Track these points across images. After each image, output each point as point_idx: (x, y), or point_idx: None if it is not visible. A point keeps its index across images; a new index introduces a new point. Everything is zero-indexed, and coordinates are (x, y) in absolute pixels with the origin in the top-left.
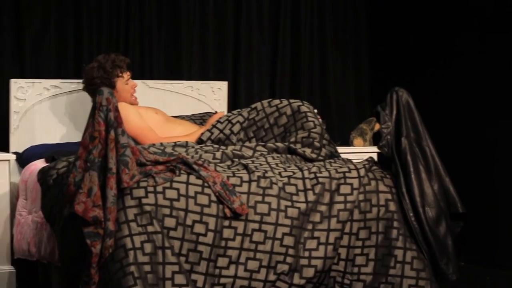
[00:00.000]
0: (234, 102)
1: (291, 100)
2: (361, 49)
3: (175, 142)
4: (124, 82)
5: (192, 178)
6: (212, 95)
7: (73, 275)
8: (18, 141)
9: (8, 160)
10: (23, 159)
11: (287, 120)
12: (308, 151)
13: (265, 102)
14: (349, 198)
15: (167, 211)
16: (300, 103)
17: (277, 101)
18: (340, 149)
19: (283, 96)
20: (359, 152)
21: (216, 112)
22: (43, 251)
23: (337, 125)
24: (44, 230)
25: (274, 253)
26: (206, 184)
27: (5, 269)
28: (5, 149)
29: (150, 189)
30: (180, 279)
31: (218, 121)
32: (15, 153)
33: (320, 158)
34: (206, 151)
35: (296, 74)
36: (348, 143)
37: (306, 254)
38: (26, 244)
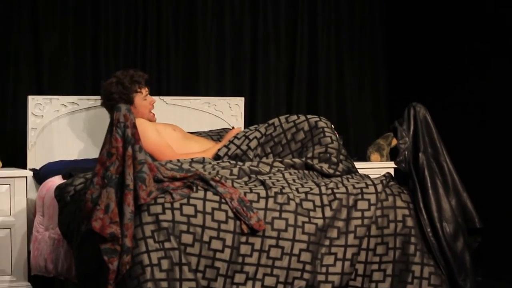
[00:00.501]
0: (251, 118)
1: (309, 116)
2: (378, 65)
3: (192, 159)
4: (142, 97)
5: (209, 195)
6: (229, 111)
7: None
8: (36, 158)
9: (26, 176)
10: (41, 175)
11: (304, 136)
12: (325, 166)
13: (282, 118)
14: (367, 213)
15: (184, 227)
16: (318, 119)
17: (294, 117)
18: (357, 165)
19: (300, 111)
20: (376, 167)
21: (232, 128)
22: (60, 268)
23: (354, 140)
24: (61, 246)
25: (291, 269)
26: (223, 201)
27: (22, 286)
28: (23, 165)
29: (167, 205)
30: None
31: (235, 137)
32: (32, 169)
33: (337, 173)
34: (223, 167)
35: (313, 90)
36: (365, 158)
37: (324, 270)
38: (43, 261)
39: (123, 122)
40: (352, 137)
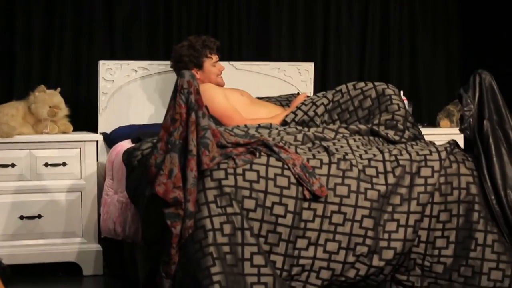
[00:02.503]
0: (322, 84)
1: (376, 83)
2: (451, 30)
3: (259, 124)
4: (211, 63)
5: (272, 160)
6: (298, 77)
7: (155, 255)
8: (106, 122)
9: (96, 140)
10: (111, 139)
11: (371, 103)
12: (391, 133)
13: (350, 84)
14: (430, 180)
15: (246, 192)
16: (385, 86)
17: (362, 84)
18: (427, 131)
19: (372, 77)
20: (446, 133)
21: (298, 94)
22: (128, 231)
23: (426, 106)
24: (129, 210)
25: (353, 235)
26: (285, 166)
27: (92, 248)
28: (94, 129)
29: (230, 171)
30: (259, 260)
31: (302, 103)
32: (103, 133)
33: (403, 140)
34: (288, 133)
35: (385, 56)
36: (435, 124)
37: (386, 236)
38: (112, 224)
39: (186, 88)
40: (424, 103)
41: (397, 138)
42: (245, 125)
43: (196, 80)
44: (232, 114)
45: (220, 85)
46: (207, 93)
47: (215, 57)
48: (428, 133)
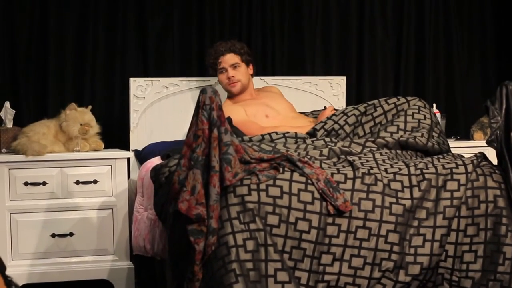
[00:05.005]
0: (358, 99)
1: (409, 98)
2: (488, 42)
3: (284, 134)
4: (219, 70)
5: (296, 175)
6: (330, 90)
7: (181, 272)
8: (138, 139)
9: (128, 157)
10: (142, 156)
11: (404, 117)
12: (418, 135)
13: (382, 99)
14: (456, 194)
15: (270, 208)
16: (416, 99)
17: (394, 99)
18: (460, 143)
19: (408, 91)
20: (479, 146)
21: (325, 108)
22: (156, 248)
23: (462, 119)
24: (157, 227)
25: (378, 250)
26: (309, 182)
27: (124, 265)
28: (125, 147)
29: (253, 186)
30: (283, 276)
31: (333, 114)
32: (134, 150)
33: (430, 144)
34: (314, 148)
35: (420, 70)
36: (468, 137)
37: (412, 251)
38: (142, 241)
39: (208, 105)
40: (461, 116)
41: (424, 140)
42: (272, 139)
43: (218, 96)
44: (249, 124)
45: (232, 93)
46: (225, 112)
47: (223, 62)
48: (461, 146)
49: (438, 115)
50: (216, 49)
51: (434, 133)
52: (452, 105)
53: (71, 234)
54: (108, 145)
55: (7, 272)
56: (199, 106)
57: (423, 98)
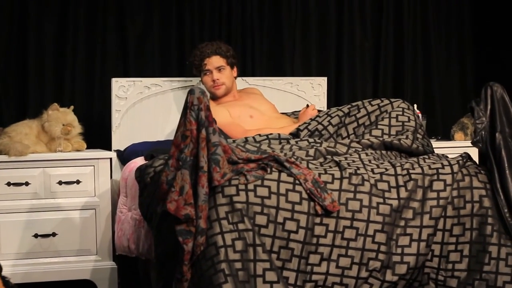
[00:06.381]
0: (336, 98)
1: (392, 99)
2: (466, 42)
3: (267, 136)
4: (203, 72)
5: (284, 176)
6: (312, 91)
7: (168, 272)
8: (120, 139)
9: (110, 158)
10: (124, 157)
11: (388, 118)
12: (403, 137)
13: (366, 101)
14: (442, 194)
15: (258, 208)
16: (400, 101)
17: (378, 100)
18: (441, 144)
19: (386, 91)
20: (460, 146)
21: (307, 106)
22: (141, 248)
23: (440, 119)
24: (142, 227)
25: (366, 250)
26: (297, 182)
27: (107, 265)
28: (107, 147)
29: (241, 187)
30: (271, 276)
31: (317, 116)
32: (116, 151)
33: (414, 146)
34: (300, 148)
35: (399, 69)
36: (449, 137)
37: (399, 250)
38: (126, 241)
39: (197, 105)
40: (439, 116)
41: (409, 142)
42: (255, 140)
43: (206, 96)
44: (234, 127)
45: (215, 95)
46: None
47: (209, 64)
48: (442, 146)
49: (419, 115)
50: (202, 51)
51: (418, 135)
52: (431, 105)
53: (53, 235)
54: (90, 146)
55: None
56: (187, 107)
57: (401, 99)
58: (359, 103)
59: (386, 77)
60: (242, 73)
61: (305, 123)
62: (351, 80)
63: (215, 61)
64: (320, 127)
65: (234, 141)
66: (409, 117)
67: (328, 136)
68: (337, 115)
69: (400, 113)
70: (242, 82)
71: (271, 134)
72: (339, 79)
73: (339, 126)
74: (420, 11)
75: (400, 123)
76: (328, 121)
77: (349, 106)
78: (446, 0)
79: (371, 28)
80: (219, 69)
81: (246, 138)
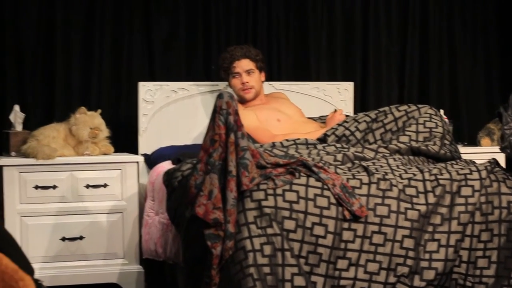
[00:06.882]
0: (362, 104)
1: (420, 106)
2: (491, 48)
3: (295, 140)
4: (232, 75)
5: (312, 181)
6: (338, 96)
7: (196, 276)
8: (147, 143)
9: (137, 161)
10: (151, 160)
11: (416, 125)
12: (430, 144)
13: (393, 107)
14: (470, 200)
15: (286, 213)
16: (427, 107)
17: (405, 106)
18: (468, 149)
19: (412, 96)
20: (487, 152)
21: (335, 111)
22: (169, 252)
23: (466, 125)
24: (170, 231)
25: (394, 255)
26: (325, 187)
27: (134, 269)
28: (134, 151)
29: (270, 191)
30: (299, 281)
31: (344, 121)
32: (143, 154)
33: (442, 152)
34: (327, 153)
35: (425, 75)
36: (475, 143)
37: (427, 256)
38: (153, 245)
39: (225, 109)
40: (465, 122)
41: (436, 148)
42: (283, 145)
43: (235, 100)
44: (261, 132)
45: (244, 99)
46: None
47: (238, 67)
48: (469, 152)
49: (447, 121)
50: (232, 53)
51: (446, 141)
52: (456, 111)
53: (81, 238)
54: (117, 149)
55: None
56: (216, 111)
57: (427, 104)
58: (386, 108)
59: (411, 82)
60: (269, 77)
61: (332, 128)
62: (377, 85)
63: (244, 64)
64: (347, 132)
65: (261, 146)
66: (436, 123)
67: (355, 142)
68: (364, 120)
69: (428, 119)
70: (269, 87)
71: (298, 139)
72: (364, 84)
73: (366, 131)
74: (446, 16)
75: (428, 129)
76: (355, 126)
77: (376, 111)
78: (471, 5)
79: (396, 33)
80: (248, 72)
81: (273, 142)
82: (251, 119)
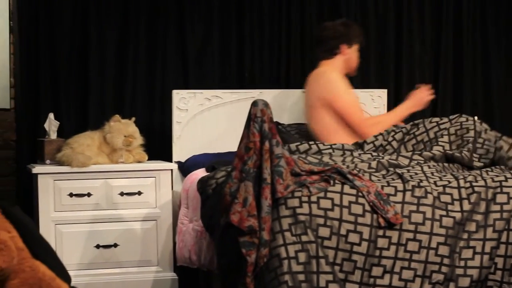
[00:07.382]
0: None
1: (451, 117)
2: None
3: (331, 146)
4: (357, 50)
5: (346, 188)
6: (371, 103)
7: (231, 284)
8: (181, 151)
9: (171, 169)
10: (185, 168)
11: (448, 136)
12: (464, 150)
13: (426, 119)
14: (506, 207)
15: (321, 220)
16: (458, 116)
17: (437, 118)
18: None
19: (445, 105)
20: None
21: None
22: (203, 259)
23: (500, 132)
24: (204, 238)
25: (429, 262)
26: (360, 194)
27: (168, 276)
28: (168, 158)
29: (305, 199)
30: None
31: (386, 132)
32: (177, 162)
33: (474, 158)
34: (362, 161)
35: (458, 82)
36: None
37: (462, 263)
38: (188, 252)
39: (260, 117)
40: (498, 131)
41: (469, 155)
42: (319, 151)
43: (269, 108)
44: (357, 111)
45: (352, 75)
46: (337, 84)
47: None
48: None
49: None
50: (360, 30)
51: (478, 144)
52: (489, 119)
53: (115, 245)
54: (150, 157)
55: None
56: (250, 119)
57: (460, 112)
58: (419, 121)
59: (445, 91)
60: (301, 85)
61: (374, 136)
62: (410, 92)
63: None
64: (384, 142)
65: (297, 148)
66: (468, 128)
67: (392, 151)
68: (401, 131)
69: (459, 127)
70: (302, 95)
71: (335, 144)
72: (398, 91)
73: (401, 142)
74: (479, 24)
75: (459, 137)
76: (393, 136)
77: (411, 123)
78: (505, 13)
79: (430, 41)
80: None
81: (309, 145)
82: (353, 94)
